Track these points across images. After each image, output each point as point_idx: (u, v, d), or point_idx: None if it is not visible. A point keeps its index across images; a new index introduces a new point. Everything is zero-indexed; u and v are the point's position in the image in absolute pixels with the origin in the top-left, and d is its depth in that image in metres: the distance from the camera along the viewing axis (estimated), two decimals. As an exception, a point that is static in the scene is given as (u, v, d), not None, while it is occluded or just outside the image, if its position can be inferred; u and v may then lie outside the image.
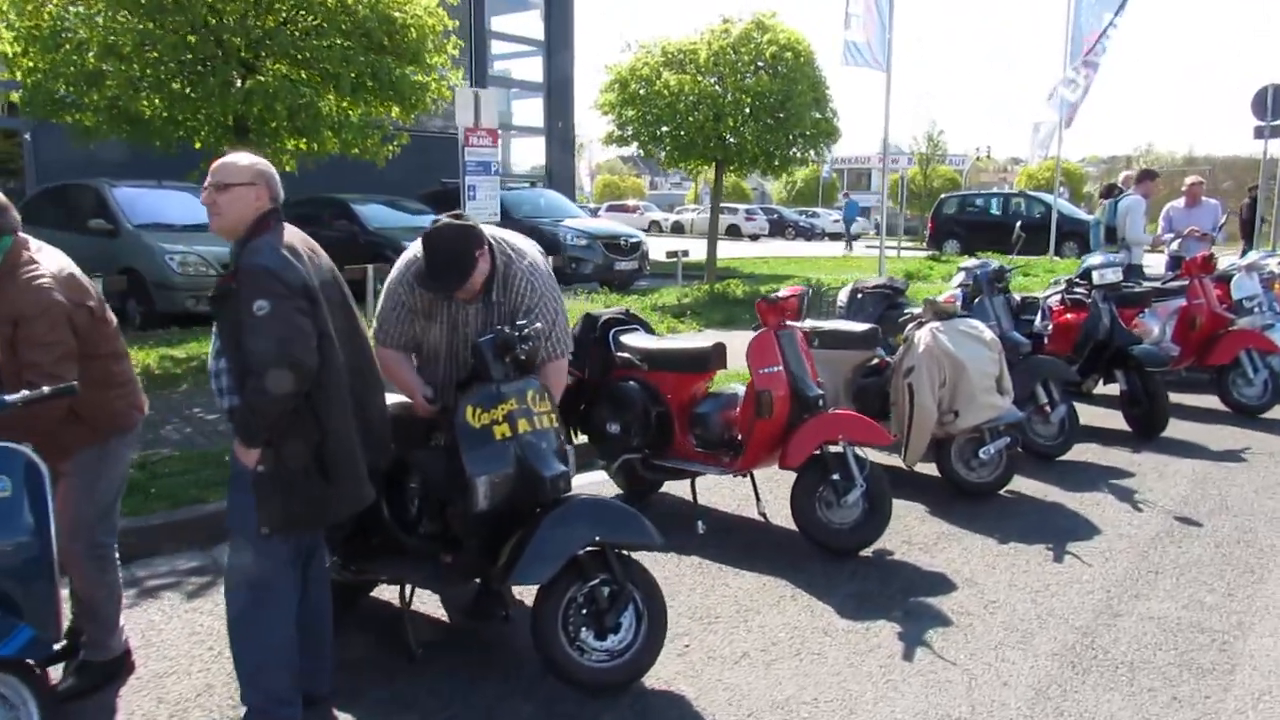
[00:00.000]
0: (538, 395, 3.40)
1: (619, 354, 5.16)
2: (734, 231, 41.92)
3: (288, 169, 9.02)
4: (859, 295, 6.88)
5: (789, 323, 4.77)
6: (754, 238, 40.87)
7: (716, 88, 13.14)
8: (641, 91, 13.35)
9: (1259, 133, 15.64)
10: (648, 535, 3.32)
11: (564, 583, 3.23)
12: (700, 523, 4.77)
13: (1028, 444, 6.15)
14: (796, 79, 13.14)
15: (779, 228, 43.38)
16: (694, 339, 9.34)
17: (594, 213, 47.41)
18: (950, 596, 4.06)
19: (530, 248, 3.73)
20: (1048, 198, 23.92)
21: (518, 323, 3.40)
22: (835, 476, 4.49)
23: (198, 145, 8.18)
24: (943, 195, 27.13)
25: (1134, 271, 9.45)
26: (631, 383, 5.06)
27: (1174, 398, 7.85)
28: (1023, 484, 5.64)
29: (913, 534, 4.82)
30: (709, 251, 14.58)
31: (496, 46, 35.46)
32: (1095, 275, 6.91)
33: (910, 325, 5.58)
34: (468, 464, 3.22)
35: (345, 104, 8.25)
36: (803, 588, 4.15)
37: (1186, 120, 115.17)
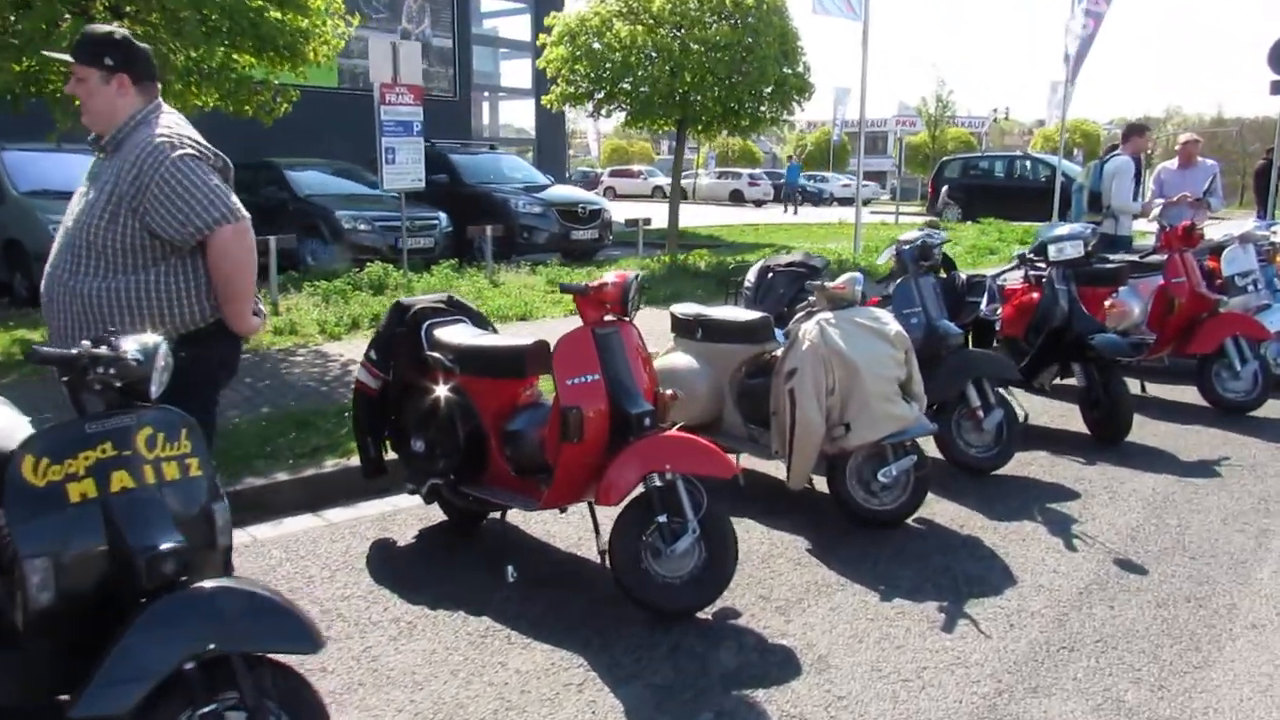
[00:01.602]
0: (162, 434, 2.42)
1: (430, 353, 4.17)
2: (737, 197, 40.68)
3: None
4: (769, 275, 5.83)
5: (610, 317, 3.73)
6: (758, 203, 39.57)
7: (674, 40, 11.97)
8: (594, 45, 12.20)
9: (1275, 88, 14.28)
10: (293, 636, 2.34)
11: (166, 710, 2.25)
12: (511, 568, 3.80)
13: (956, 456, 5.12)
14: (762, 30, 11.95)
15: (789, 193, 42.01)
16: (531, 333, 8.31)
17: (591, 177, 46.40)
18: (786, 689, 3.06)
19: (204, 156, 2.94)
20: (1055, 160, 22.54)
21: (108, 331, 2.42)
22: (662, 518, 3.48)
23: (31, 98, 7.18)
24: (943, 158, 25.77)
25: (1120, 244, 8.34)
26: (439, 390, 4.07)
27: (1154, 390, 6.80)
28: (939, 509, 4.61)
29: (776, 585, 3.82)
30: (670, 219, 13.48)
31: (483, 3, 34.30)
32: (1052, 250, 5.82)
33: (798, 317, 4.55)
34: (18, 539, 2.25)
35: (201, 53, 7.20)
36: (600, 671, 3.17)
37: (1216, 80, 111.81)
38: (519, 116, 35.01)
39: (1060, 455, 5.46)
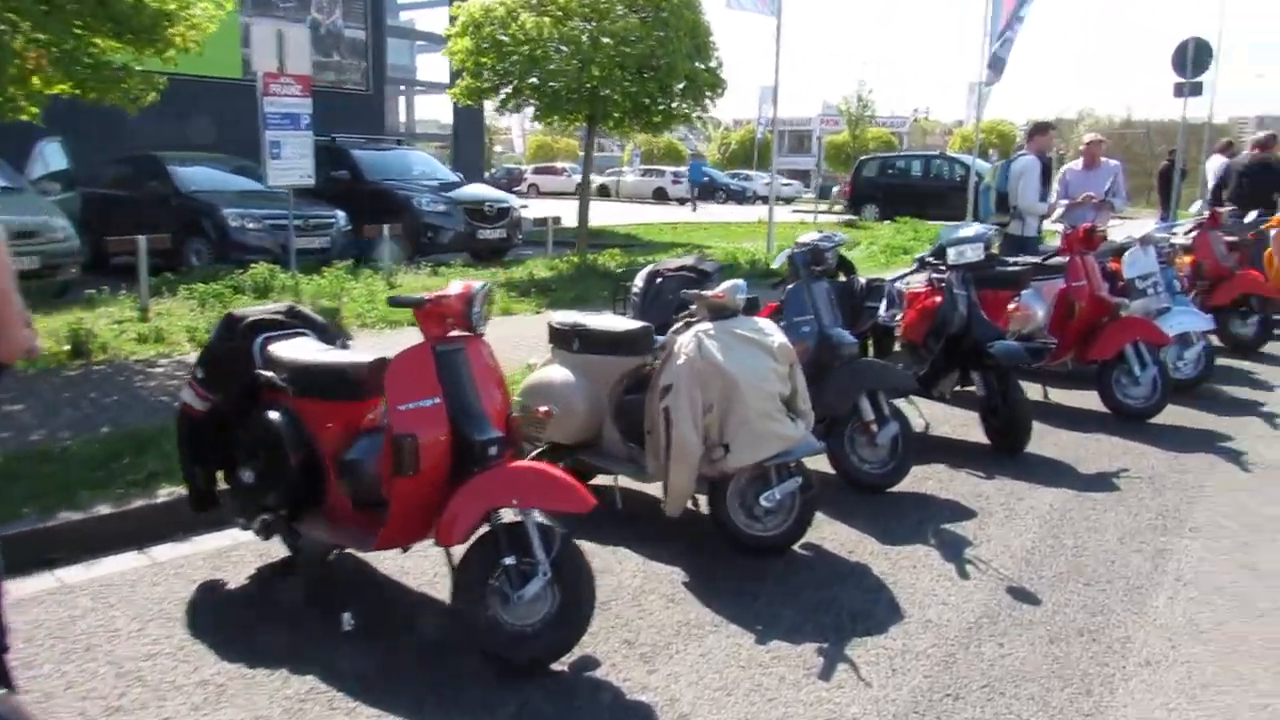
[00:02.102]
0: None
1: (261, 372, 3.73)
2: (661, 195, 40.46)
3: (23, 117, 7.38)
4: (658, 280, 5.49)
5: (455, 333, 3.34)
6: (682, 201, 39.38)
7: (582, 33, 11.58)
8: (499, 36, 11.74)
9: (1179, 90, 14.50)
10: None
11: None
12: (348, 615, 3.39)
13: (849, 473, 4.84)
14: (672, 24, 11.63)
15: (709, 191, 41.96)
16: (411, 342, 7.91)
17: (515, 174, 45.73)
18: (636, 755, 2.71)
19: None
20: (969, 159, 22.73)
21: None
22: (509, 559, 3.11)
23: None
24: (861, 157, 25.84)
25: (1027, 245, 8.21)
26: (272, 413, 3.63)
27: (1058, 396, 6.65)
28: (829, 532, 4.32)
29: (643, 627, 3.47)
30: (580, 217, 13.09)
31: (398, -5, 33.41)
32: (951, 253, 5.60)
33: (675, 327, 4.21)
34: None
35: (47, 36, 6.57)
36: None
37: (1127, 83, 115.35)
38: (438, 112, 34.19)
39: (959, 468, 5.22)
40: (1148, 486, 4.92)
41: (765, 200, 40.47)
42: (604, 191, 42.32)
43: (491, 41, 11.74)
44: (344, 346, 4.11)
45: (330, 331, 4.13)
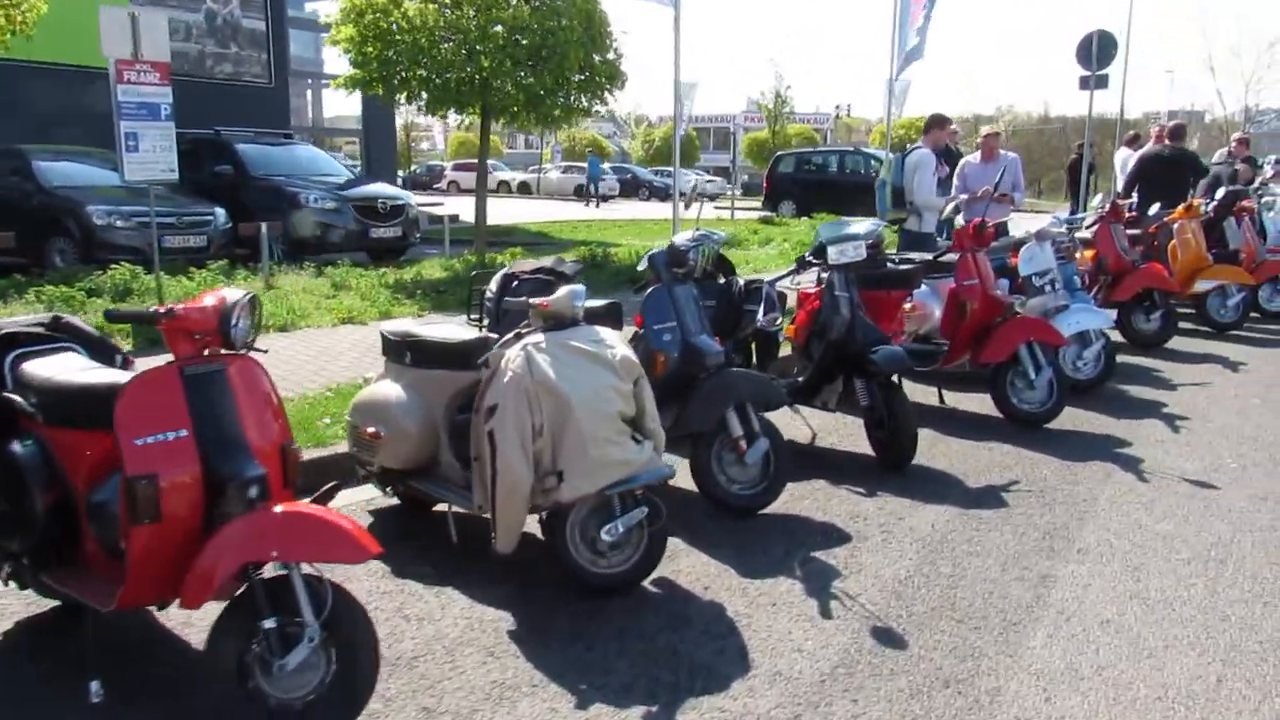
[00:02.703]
0: None
1: (10, 394, 3.15)
2: (583, 192, 39.88)
3: None
4: (514, 284, 4.99)
5: (215, 352, 2.80)
6: (604, 198, 38.88)
7: (470, 21, 11.01)
8: (383, 24, 11.09)
9: (1084, 83, 14.46)
10: None
11: None
12: (96, 685, 2.82)
13: (716, 495, 4.41)
14: (565, 13, 11.13)
15: (632, 188, 41.54)
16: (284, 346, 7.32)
17: (436, 171, 44.75)
18: None
19: None
20: (883, 154, 22.64)
21: None
22: (270, 622, 2.59)
23: None
24: (778, 153, 25.61)
25: (925, 241, 7.90)
26: (15, 445, 3.06)
27: (955, 399, 6.32)
28: (686, 564, 3.88)
29: (450, 689, 2.97)
30: (477, 214, 12.51)
31: (304, -16, 32.27)
32: (832, 252, 5.20)
33: (504, 340, 3.72)
34: None
35: None
36: None
37: (1046, 79, 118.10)
38: (350, 107, 33.10)
39: (839, 485, 4.83)
40: (1037, 501, 4.58)
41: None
42: (525, 188, 41.65)
43: (376, 29, 11.10)
44: (124, 364, 3.54)
45: (107, 346, 3.55)
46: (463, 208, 26.50)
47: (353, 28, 11.21)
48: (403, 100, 12.19)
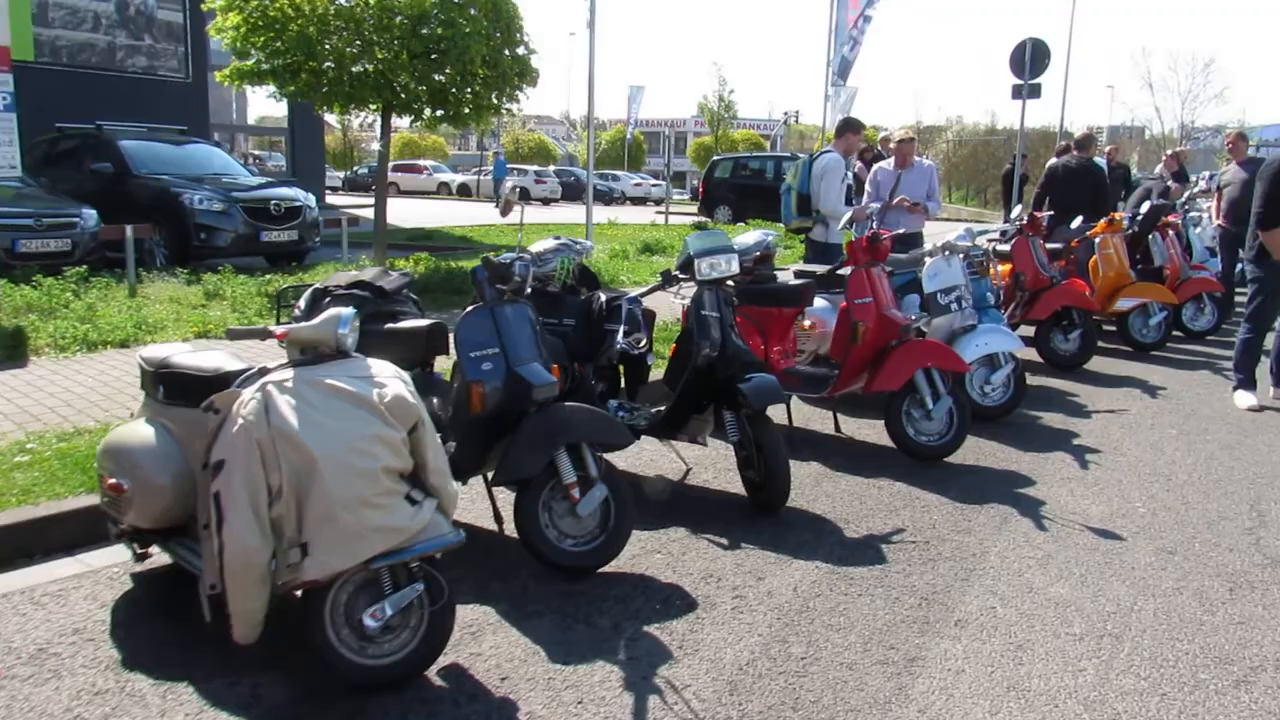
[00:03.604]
0: None
1: None
2: (524, 194, 39.02)
3: None
4: (325, 300, 4.29)
5: None
6: (546, 201, 38.19)
7: (364, 10, 10.25)
8: (271, 11, 10.28)
9: (1016, 92, 14.10)
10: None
11: None
12: None
13: (545, 554, 3.74)
14: (467, 5, 10.41)
15: (576, 191, 40.82)
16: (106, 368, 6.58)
17: (373, 172, 43.57)
18: None
19: None
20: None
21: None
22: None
23: None
24: (714, 157, 25.09)
25: (831, 252, 7.32)
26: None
27: (854, 428, 5.75)
28: (488, 645, 3.21)
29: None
30: (376, 216, 11.72)
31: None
32: (702, 266, 4.57)
33: (246, 374, 3.03)
34: None
35: None
36: None
37: (994, 91, 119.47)
38: (279, 105, 31.89)
39: (700, 533, 4.19)
40: (920, 556, 3.98)
41: (634, 201, 39.72)
42: (466, 190, 40.81)
43: (262, 17, 10.29)
44: None
45: None
46: (397, 210, 25.63)
47: (238, 14, 10.38)
48: (287, 96, 11.34)
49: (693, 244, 4.66)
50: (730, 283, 5.05)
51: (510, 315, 3.88)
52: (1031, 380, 7.18)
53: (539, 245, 5.13)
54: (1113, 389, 7.09)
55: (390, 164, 45.38)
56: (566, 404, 3.81)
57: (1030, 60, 13.76)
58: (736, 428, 4.46)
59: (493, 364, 3.77)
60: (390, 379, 2.96)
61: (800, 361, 6.06)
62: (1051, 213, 8.71)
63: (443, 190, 40.90)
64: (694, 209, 27.04)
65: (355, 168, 49.47)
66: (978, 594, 3.62)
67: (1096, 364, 7.79)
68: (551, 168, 44.35)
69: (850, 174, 7.42)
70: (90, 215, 10.62)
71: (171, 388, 3.42)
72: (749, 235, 5.90)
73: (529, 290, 5.03)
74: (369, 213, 20.19)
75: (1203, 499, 4.71)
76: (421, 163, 44.97)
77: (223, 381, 3.23)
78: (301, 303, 4.35)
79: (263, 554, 2.74)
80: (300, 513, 2.75)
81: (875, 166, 8.01)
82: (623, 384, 5.17)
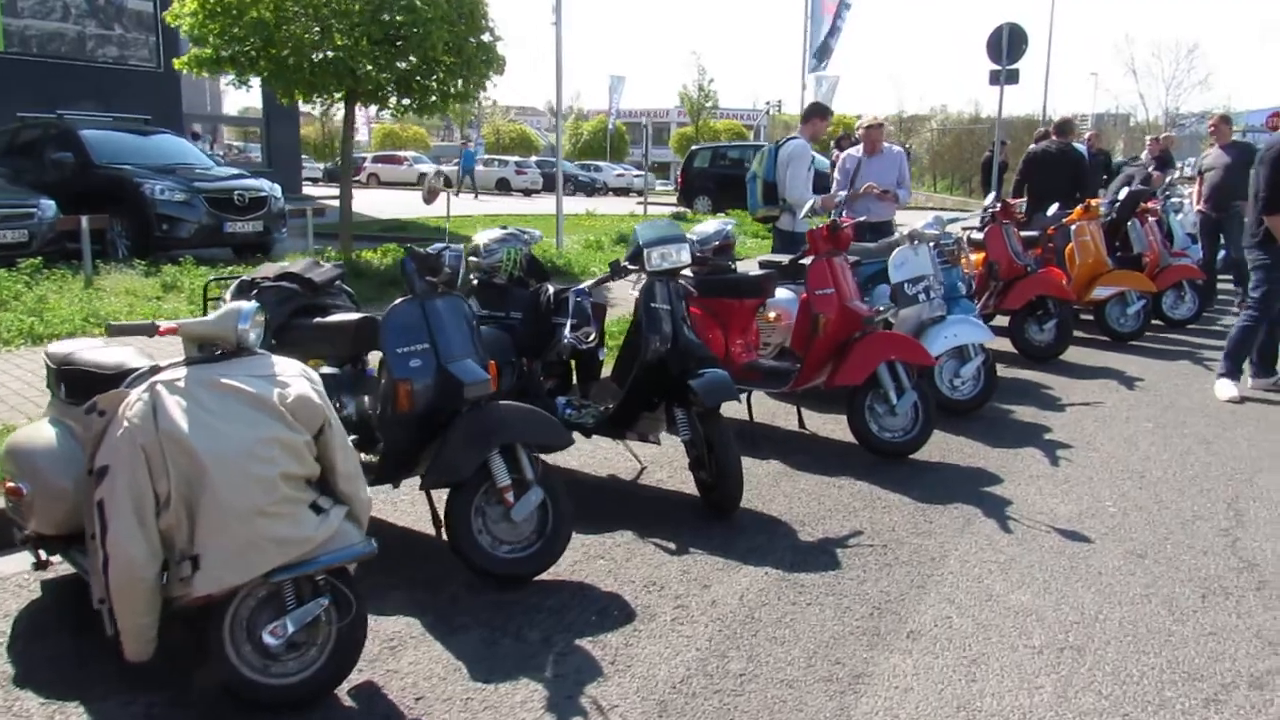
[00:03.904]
0: None
1: None
2: (504, 185, 38.81)
3: None
4: (254, 294, 4.07)
5: None
6: (527, 192, 37.85)
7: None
8: (227, -1, 9.98)
9: (994, 77, 13.91)
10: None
11: None
12: None
13: (476, 561, 3.52)
14: (430, -14, 10.14)
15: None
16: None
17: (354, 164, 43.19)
18: None
19: None
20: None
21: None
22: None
23: None
24: (693, 147, 24.84)
25: (799, 241, 7.10)
26: None
27: (818, 423, 5.56)
28: (406, 662, 2.99)
29: None
30: (342, 207, 11.44)
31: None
32: (652, 256, 4.36)
33: (136, 373, 2.80)
34: None
35: None
36: None
37: (979, 80, 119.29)
38: (255, 95, 31.46)
39: (648, 536, 3.99)
40: (876, 561, 3.78)
41: (616, 192, 39.44)
42: (447, 182, 40.28)
43: (218, 3, 9.99)
44: None
45: None
46: (375, 201, 25.31)
47: (194, 0, 10.08)
48: (246, 84, 11.06)
49: (642, 234, 4.44)
50: (688, 273, 4.87)
51: (442, 309, 3.66)
52: (1005, 372, 7.01)
53: (484, 236, 4.92)
54: (1088, 380, 6.92)
55: (370, 155, 45.28)
56: (501, 403, 3.59)
57: (1008, 45, 13.56)
58: (688, 425, 4.25)
59: (422, 360, 3.55)
60: (294, 378, 2.73)
61: (765, 354, 5.86)
62: (1027, 200, 8.53)
63: (423, 181, 40.48)
64: (670, 199, 26.81)
65: (337, 159, 49.08)
66: (933, 602, 3.42)
67: (1073, 354, 7.61)
68: (534, 158, 43.96)
69: (827, 161, 7.21)
70: (48, 206, 10.33)
71: (73, 386, 3.20)
72: (708, 224, 5.69)
73: (476, 282, 4.92)
74: (350, 204, 19.68)
75: (1177, 497, 4.53)
76: (401, 154, 44.59)
77: (122, 377, 3.01)
78: (228, 295, 4.13)
79: (149, 567, 2.52)
80: (191, 523, 2.53)
81: (844, 154, 7.81)
82: (575, 380, 4.96)
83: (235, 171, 12.90)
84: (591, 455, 5.01)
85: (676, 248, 4.39)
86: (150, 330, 2.66)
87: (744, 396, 5.50)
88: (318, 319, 3.97)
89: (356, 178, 42.81)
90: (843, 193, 7.44)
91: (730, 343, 5.47)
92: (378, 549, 2.77)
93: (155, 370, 2.69)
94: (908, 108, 61.05)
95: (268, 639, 2.64)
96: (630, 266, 4.48)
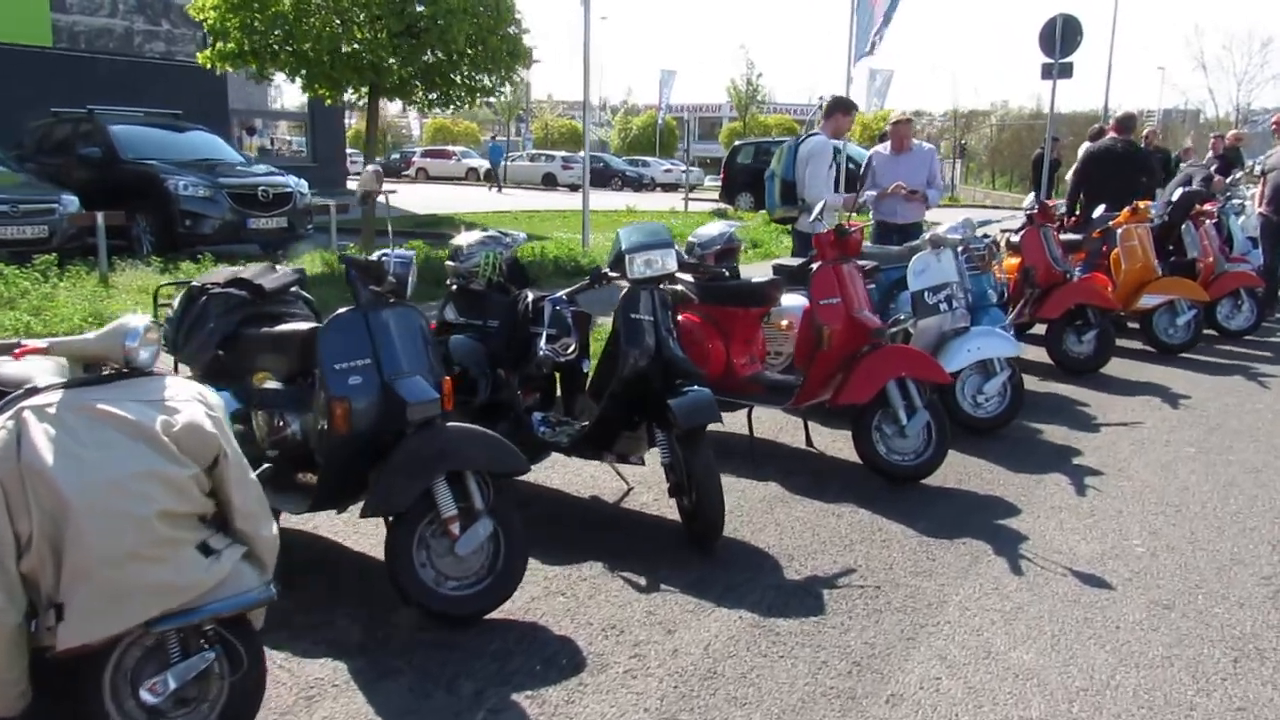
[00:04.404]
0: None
1: None
2: (550, 180, 38.69)
3: None
4: (203, 299, 3.81)
5: None
6: (573, 187, 37.60)
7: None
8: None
9: (1046, 71, 13.27)
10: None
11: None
12: None
13: (420, 598, 3.21)
14: (452, -22, 9.90)
15: (604, 177, 40.26)
16: None
17: (404, 158, 43.41)
18: None
19: None
20: (853, 149, 21.44)
21: None
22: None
23: None
24: (736, 142, 24.36)
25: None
26: None
27: (826, 440, 5.18)
28: (316, 716, 2.70)
29: None
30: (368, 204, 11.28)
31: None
32: (636, 262, 4.01)
33: (10, 397, 2.53)
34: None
35: None
36: None
37: (1037, 73, 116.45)
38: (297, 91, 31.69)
39: (618, 570, 3.65)
40: (866, 605, 3.40)
41: (664, 188, 39.07)
42: (490, 176, 40.45)
43: (243, -1, 9.87)
44: None
45: None
46: (418, 195, 25.27)
47: (219, -4, 9.98)
48: (268, 78, 10.95)
49: (625, 238, 4.10)
50: (688, 279, 4.53)
51: (389, 320, 3.35)
52: (1039, 386, 6.56)
53: (462, 238, 4.63)
54: (1129, 397, 6.41)
55: (420, 150, 45.46)
56: (450, 425, 3.28)
57: (1061, 37, 12.91)
58: (668, 448, 3.90)
59: (363, 377, 3.24)
60: (186, 403, 2.45)
61: (776, 366, 5.49)
62: (1084, 202, 8.03)
63: (471, 176, 40.59)
64: (715, 195, 26.37)
65: (390, 153, 49.49)
66: (923, 658, 3.04)
67: (1115, 368, 7.10)
68: (581, 154, 43.71)
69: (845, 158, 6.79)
70: (70, 201, 10.29)
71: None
72: (711, 227, 5.34)
73: (454, 288, 4.62)
74: (392, 198, 19.47)
75: (1215, 536, 4.07)
76: (450, 148, 44.70)
77: None
78: (175, 302, 3.89)
79: (9, 615, 2.25)
80: (57, 567, 2.26)
81: (871, 151, 7.38)
82: (559, 394, 4.64)
83: (265, 168, 12.80)
84: (577, 474, 4.69)
85: (662, 253, 4.04)
86: (8, 349, 2.40)
87: (746, 411, 5.14)
88: (265, 329, 3.70)
89: (406, 172, 43.23)
90: (870, 192, 7.02)
91: (733, 353, 5.10)
92: (276, 594, 2.47)
93: (31, 392, 2.42)
94: (964, 103, 59.62)
95: (146, 696, 2.36)
96: (612, 274, 4.13)
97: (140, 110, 13.89)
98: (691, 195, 25.06)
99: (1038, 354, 7.17)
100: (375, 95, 10.86)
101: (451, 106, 11.42)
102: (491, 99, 11.92)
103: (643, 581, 3.57)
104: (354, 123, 58.41)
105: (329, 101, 11.21)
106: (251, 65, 10.50)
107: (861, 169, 7.34)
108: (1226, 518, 4.27)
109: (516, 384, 4.35)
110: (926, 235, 5.47)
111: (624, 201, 25.48)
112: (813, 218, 5.14)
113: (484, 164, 42.05)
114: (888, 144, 7.12)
